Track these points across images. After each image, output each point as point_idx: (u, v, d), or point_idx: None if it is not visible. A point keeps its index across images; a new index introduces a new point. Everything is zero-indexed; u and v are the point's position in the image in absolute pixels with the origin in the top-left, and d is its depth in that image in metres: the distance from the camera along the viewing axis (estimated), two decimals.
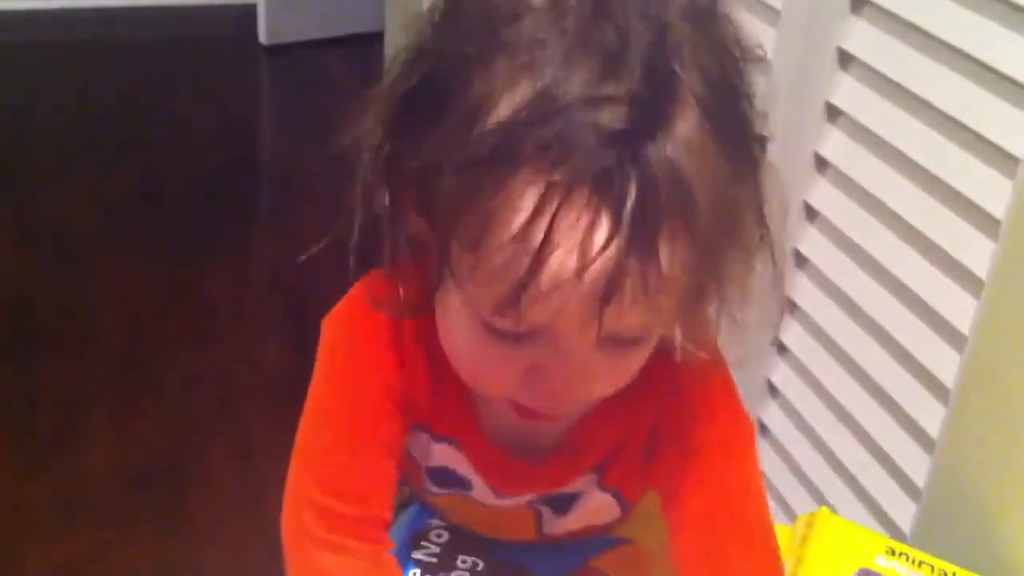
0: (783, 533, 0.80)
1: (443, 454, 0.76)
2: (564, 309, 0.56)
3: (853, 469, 1.17)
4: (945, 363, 1.01)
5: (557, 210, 0.54)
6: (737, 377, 0.97)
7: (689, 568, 0.73)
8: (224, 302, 2.19)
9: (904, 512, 1.08)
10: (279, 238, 2.40)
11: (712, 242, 0.58)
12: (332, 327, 0.74)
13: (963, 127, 0.96)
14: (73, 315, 2.13)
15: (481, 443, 0.74)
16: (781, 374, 1.29)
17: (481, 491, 0.78)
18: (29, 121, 2.77)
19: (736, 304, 0.64)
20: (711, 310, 0.64)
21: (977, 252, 0.95)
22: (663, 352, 0.68)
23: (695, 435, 0.72)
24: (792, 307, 1.24)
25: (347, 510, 0.72)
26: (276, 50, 3.16)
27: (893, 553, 0.75)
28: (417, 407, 0.73)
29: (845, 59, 1.12)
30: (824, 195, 1.18)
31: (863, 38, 1.09)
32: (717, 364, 0.73)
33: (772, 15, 1.19)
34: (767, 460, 1.33)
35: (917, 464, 1.06)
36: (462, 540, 0.86)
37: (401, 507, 0.89)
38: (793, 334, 1.26)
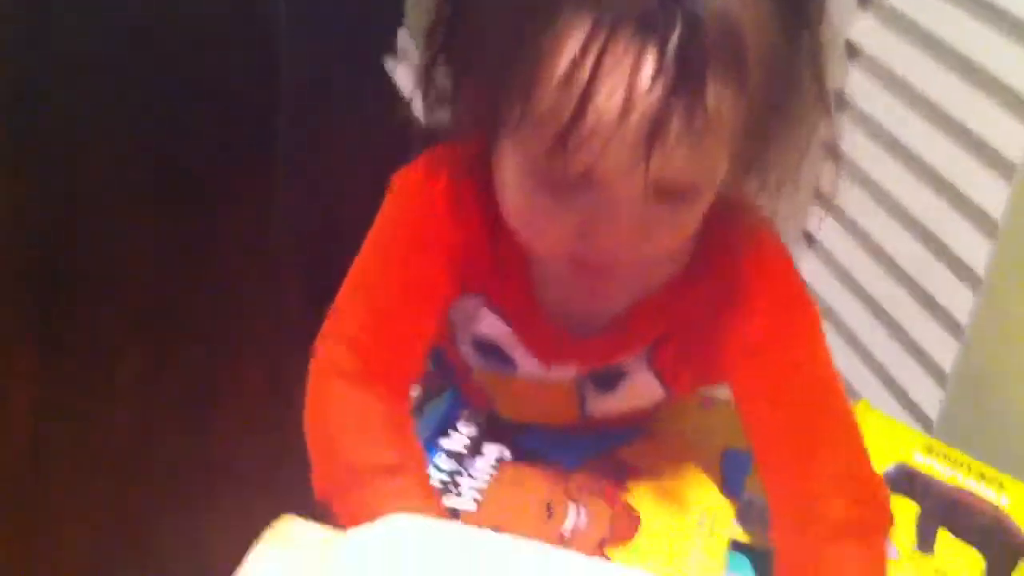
0: None
1: (493, 326, 0.76)
2: (610, 150, 0.57)
3: (880, 356, 1.16)
4: (976, 249, 1.02)
5: (602, 50, 0.55)
6: None
7: (776, 470, 0.72)
8: (244, 253, 2.14)
9: (931, 399, 1.08)
10: (299, 194, 2.32)
11: (761, 95, 0.58)
12: (400, 181, 0.75)
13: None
14: (92, 261, 2.10)
15: (534, 314, 0.74)
16: (808, 264, 1.28)
17: (526, 370, 0.78)
18: (41, 48, 2.66)
19: (787, 168, 0.64)
20: (762, 174, 0.64)
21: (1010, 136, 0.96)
22: (720, 236, 0.68)
23: (762, 329, 0.71)
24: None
25: (380, 352, 0.73)
26: None
27: (930, 451, 0.75)
28: (475, 274, 0.73)
29: (853, 51, 1.15)
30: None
31: (871, 32, 1.13)
32: (776, 247, 0.73)
33: None
34: None
35: (945, 350, 1.06)
36: (489, 430, 0.86)
37: (432, 397, 0.89)
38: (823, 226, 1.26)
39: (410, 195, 0.74)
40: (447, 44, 0.65)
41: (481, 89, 0.63)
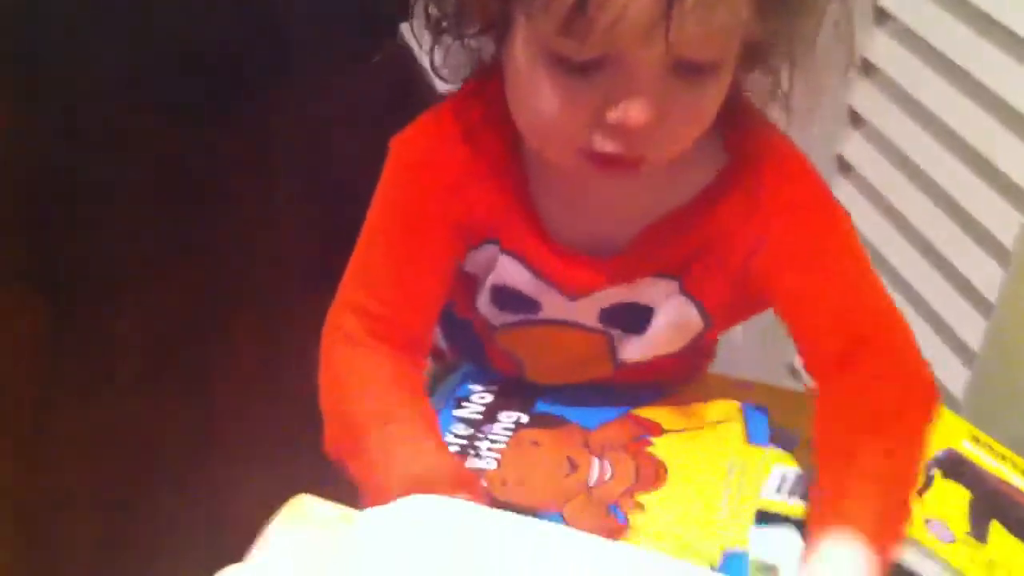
0: None
1: (509, 270, 0.75)
2: (626, 18, 0.56)
3: None
4: (1006, 224, 0.99)
5: None
6: None
7: (825, 369, 0.71)
8: (246, 161, 2.16)
9: (957, 378, 1.06)
10: (301, 97, 2.35)
11: None
12: (396, 147, 0.75)
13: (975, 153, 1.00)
14: (89, 182, 2.10)
15: (547, 242, 0.73)
16: None
17: (550, 311, 0.76)
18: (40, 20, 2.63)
19: (798, 56, 0.65)
20: (774, 63, 0.65)
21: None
22: (740, 148, 0.69)
23: (796, 232, 0.71)
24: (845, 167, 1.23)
25: (388, 316, 0.73)
26: None
27: (977, 441, 0.73)
28: (480, 224, 0.73)
29: (867, 68, 1.15)
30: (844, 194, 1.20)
31: (885, 51, 1.12)
32: (798, 156, 0.72)
33: None
34: None
35: (973, 328, 1.04)
36: (504, 399, 0.84)
37: (447, 374, 0.87)
38: (845, 193, 1.23)
39: (410, 158, 0.74)
40: None
41: None
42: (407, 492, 0.65)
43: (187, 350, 1.77)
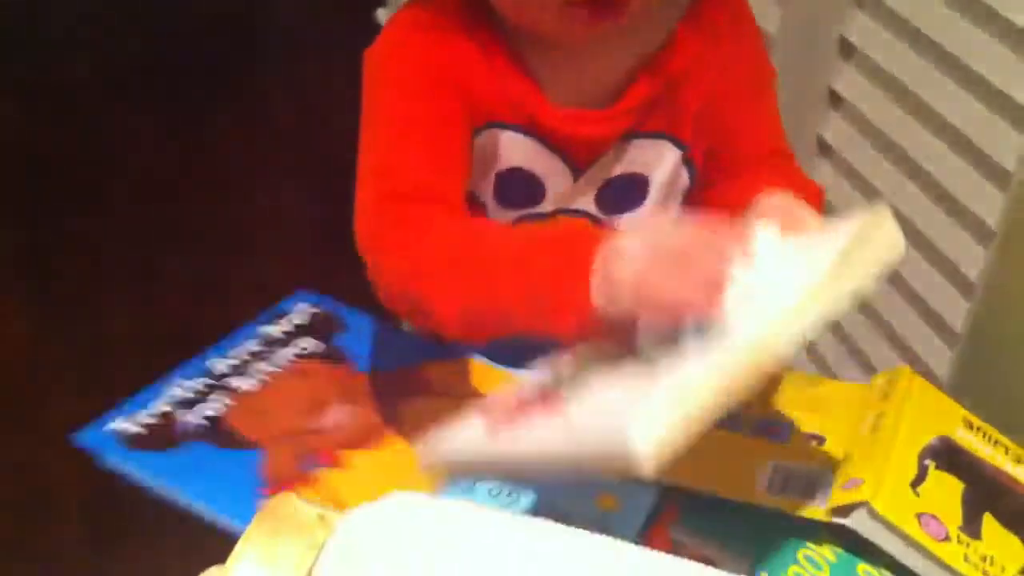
0: (859, 390, 0.77)
1: (515, 146, 0.76)
2: None
3: (889, 317, 1.15)
4: (989, 204, 0.99)
5: None
6: None
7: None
8: (236, 152, 2.15)
9: (941, 358, 1.06)
10: (289, 87, 2.35)
11: None
12: (370, 54, 0.76)
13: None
14: (85, 173, 2.10)
15: (548, 106, 0.75)
16: None
17: (553, 188, 0.78)
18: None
19: None
20: None
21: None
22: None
23: (739, 83, 0.79)
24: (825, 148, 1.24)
25: (420, 188, 0.71)
26: None
27: (971, 426, 0.72)
28: (476, 106, 0.74)
29: (847, 49, 1.16)
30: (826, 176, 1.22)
31: (865, 31, 1.13)
32: (747, 12, 0.80)
33: None
34: None
35: (955, 309, 1.04)
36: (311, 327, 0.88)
37: None
38: (826, 175, 1.24)
39: (387, 56, 0.75)
40: None
41: None
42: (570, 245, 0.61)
43: (184, 349, 1.75)
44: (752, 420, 0.74)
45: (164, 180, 2.08)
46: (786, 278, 0.57)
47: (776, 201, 0.66)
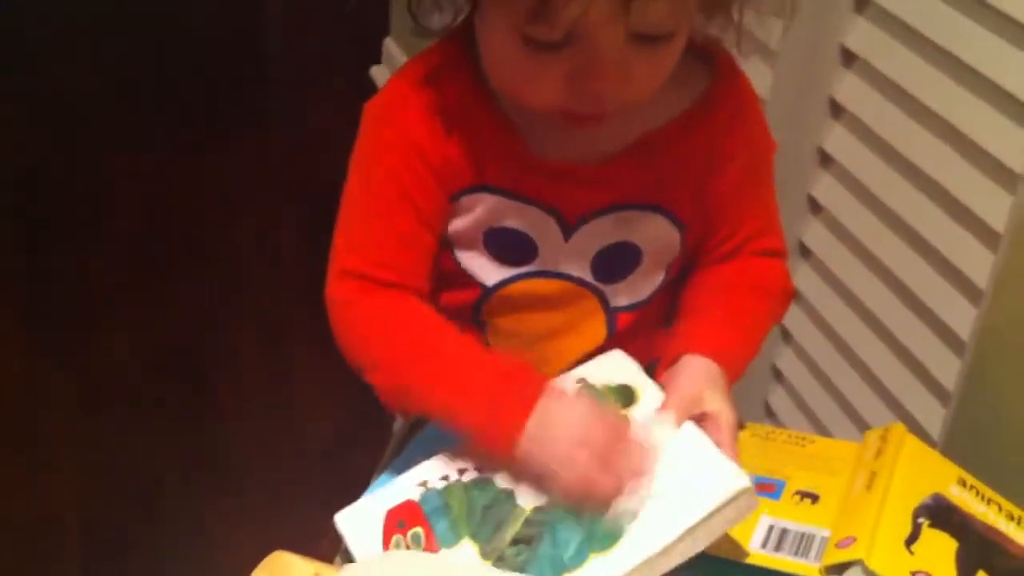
0: (851, 448, 0.77)
1: (503, 207, 0.78)
2: (590, 10, 0.63)
3: (881, 375, 1.14)
4: (979, 262, 0.99)
5: None
6: None
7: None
8: (236, 183, 2.18)
9: (933, 418, 1.06)
10: (289, 121, 2.38)
11: None
12: (369, 108, 0.79)
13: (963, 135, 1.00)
14: (84, 198, 2.11)
15: (535, 164, 0.77)
16: (804, 277, 1.26)
17: (546, 247, 0.79)
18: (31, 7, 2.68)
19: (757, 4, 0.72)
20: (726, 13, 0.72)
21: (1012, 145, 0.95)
22: (715, 89, 0.78)
23: (738, 162, 0.80)
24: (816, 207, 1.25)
25: (385, 276, 0.76)
26: None
27: (964, 484, 0.72)
28: (464, 168, 0.76)
29: (848, 57, 1.15)
30: (827, 188, 1.21)
31: (866, 37, 1.12)
32: (752, 94, 0.82)
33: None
34: (792, 368, 1.31)
35: (947, 366, 1.04)
36: None
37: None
38: (816, 235, 1.24)
39: (382, 115, 0.78)
40: None
41: None
42: (505, 388, 0.70)
43: (185, 373, 1.76)
44: None
45: (165, 208, 2.10)
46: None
47: (688, 386, 0.74)
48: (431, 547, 0.68)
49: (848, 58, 1.14)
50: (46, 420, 1.65)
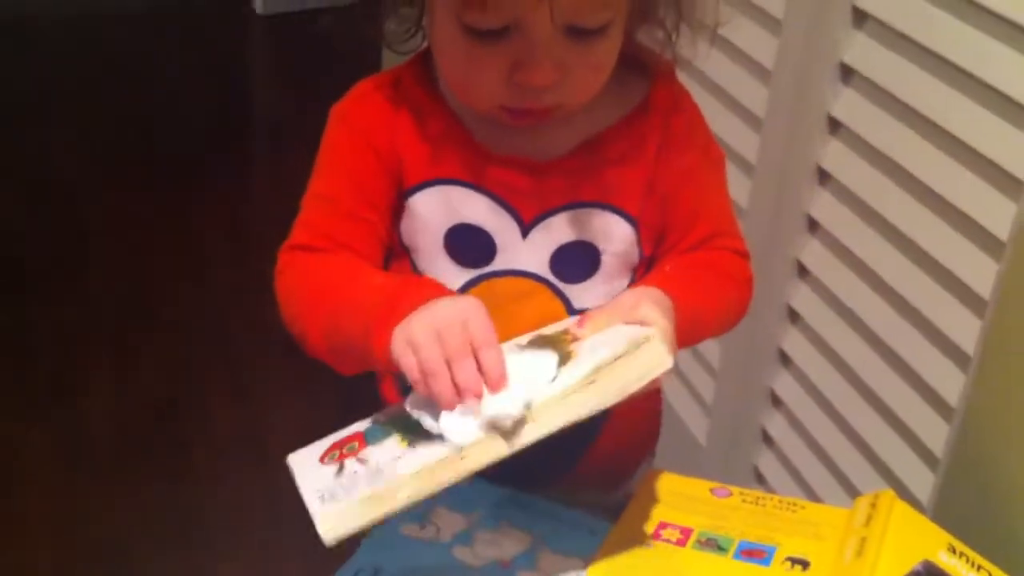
0: (841, 514, 0.77)
1: (460, 200, 0.81)
2: None
3: (871, 440, 1.14)
4: (966, 330, 1.00)
5: None
6: (744, 338, 1.10)
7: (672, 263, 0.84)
8: (216, 245, 2.21)
9: (923, 484, 1.06)
10: (270, 186, 2.41)
11: None
12: (333, 108, 0.84)
13: (965, 145, 0.99)
14: (64, 260, 2.13)
15: (489, 157, 0.80)
16: (793, 341, 1.26)
17: (504, 242, 0.81)
18: (18, 84, 2.74)
19: (682, 12, 0.78)
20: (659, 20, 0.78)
21: (998, 217, 0.96)
22: (656, 94, 0.82)
23: (684, 161, 0.83)
24: (804, 272, 1.25)
25: (321, 244, 0.80)
26: (272, 19, 3.20)
27: (954, 551, 0.72)
28: (419, 163, 0.81)
29: (846, 72, 1.14)
30: (826, 204, 1.19)
31: (864, 52, 1.11)
32: (688, 97, 0.85)
33: (774, 24, 1.22)
34: (782, 433, 1.31)
35: (936, 433, 1.05)
36: None
37: None
38: (804, 299, 1.24)
39: (343, 112, 0.83)
40: None
41: None
42: (401, 295, 0.71)
43: (161, 429, 1.77)
44: (736, 544, 0.75)
45: (143, 264, 2.12)
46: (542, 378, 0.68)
47: (627, 297, 0.75)
48: (361, 447, 0.71)
49: (846, 73, 1.14)
50: (20, 480, 1.65)
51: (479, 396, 0.66)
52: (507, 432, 0.65)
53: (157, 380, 1.85)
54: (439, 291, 0.72)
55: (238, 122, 2.69)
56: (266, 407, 1.74)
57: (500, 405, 0.65)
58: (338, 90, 0.83)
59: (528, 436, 0.65)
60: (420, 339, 0.67)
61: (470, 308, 0.69)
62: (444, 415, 0.67)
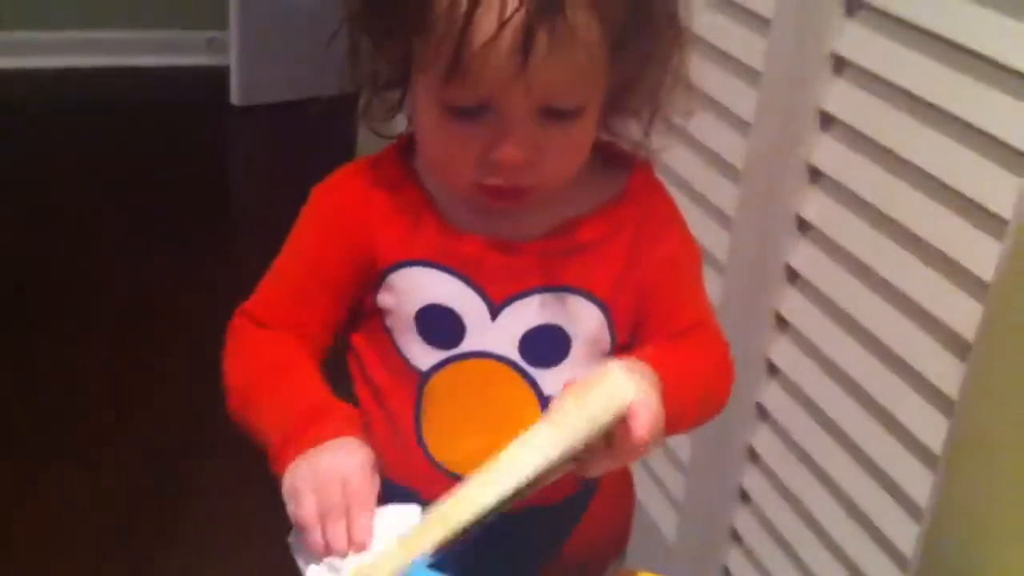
0: None
1: (429, 281, 0.81)
2: (490, 64, 0.69)
3: (838, 538, 1.14)
4: (933, 429, 1.00)
5: None
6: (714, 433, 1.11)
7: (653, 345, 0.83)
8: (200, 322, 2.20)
9: (906, 535, 1.05)
10: (252, 276, 2.44)
11: (620, 23, 0.72)
12: (313, 190, 0.86)
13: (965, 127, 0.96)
14: (45, 330, 2.14)
15: (459, 238, 0.81)
16: (771, 393, 1.25)
17: (473, 325, 0.82)
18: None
19: (654, 99, 0.79)
20: (632, 104, 0.79)
21: (965, 317, 0.96)
22: (632, 186, 0.83)
23: (660, 252, 0.84)
24: (773, 369, 1.25)
25: (268, 319, 0.84)
26: (248, 111, 3.26)
27: None
28: (390, 247, 0.82)
29: (839, 64, 1.11)
30: (818, 205, 1.17)
31: (857, 41, 1.08)
32: (664, 192, 0.87)
33: (762, 24, 1.19)
34: (751, 530, 1.30)
35: (905, 533, 1.04)
36: None
37: None
38: (774, 396, 1.24)
39: (320, 195, 0.85)
40: (362, 17, 0.77)
41: (394, 41, 0.76)
42: (302, 426, 0.75)
43: (159, 472, 1.78)
44: None
45: (127, 342, 2.12)
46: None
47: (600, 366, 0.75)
48: None
49: (838, 64, 1.10)
50: (5, 561, 1.63)
51: (344, 555, 0.70)
52: None
53: (142, 463, 1.84)
54: (341, 430, 0.75)
55: (214, 218, 2.70)
56: (256, 486, 1.70)
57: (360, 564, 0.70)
58: (309, 179, 0.85)
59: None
60: (300, 492, 0.72)
61: (353, 467, 0.72)
62: (312, 566, 0.71)
